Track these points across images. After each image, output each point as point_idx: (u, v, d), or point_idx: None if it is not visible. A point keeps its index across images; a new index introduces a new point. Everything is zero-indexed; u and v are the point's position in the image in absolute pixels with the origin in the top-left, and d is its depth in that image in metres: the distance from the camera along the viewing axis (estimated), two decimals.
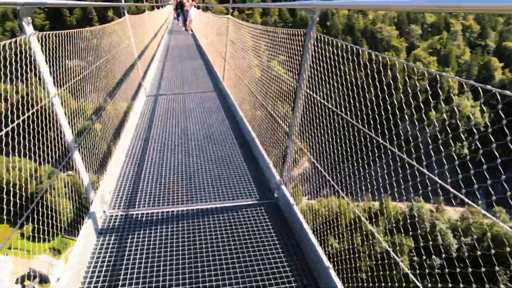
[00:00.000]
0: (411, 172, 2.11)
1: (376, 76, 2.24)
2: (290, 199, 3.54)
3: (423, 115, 2.01)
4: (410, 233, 34.41)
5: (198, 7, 20.56)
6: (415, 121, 2.27)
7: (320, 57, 2.92)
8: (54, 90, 2.78)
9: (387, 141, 2.16)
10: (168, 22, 26.20)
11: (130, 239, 3.29)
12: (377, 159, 2.30)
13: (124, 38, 6.79)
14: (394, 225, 37.32)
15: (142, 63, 8.42)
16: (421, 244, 13.74)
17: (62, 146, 3.10)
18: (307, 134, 3.41)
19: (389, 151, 2.14)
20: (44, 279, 41.51)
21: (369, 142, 2.32)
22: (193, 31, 21.00)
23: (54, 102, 2.77)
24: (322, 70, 2.98)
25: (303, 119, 3.39)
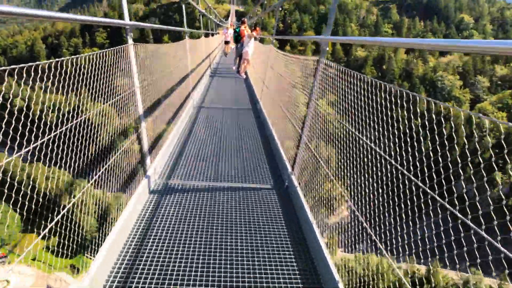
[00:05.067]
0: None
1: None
2: (296, 185, 4.62)
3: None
4: None
5: (261, 40, 14.23)
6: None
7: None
8: (138, 83, 4.14)
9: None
10: (212, 58, 19.72)
11: (170, 200, 4.50)
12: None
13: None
14: None
15: None
16: None
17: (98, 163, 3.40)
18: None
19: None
20: None
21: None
22: (247, 75, 15.27)
23: (136, 91, 4.17)
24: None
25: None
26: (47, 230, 2.38)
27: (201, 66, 12.54)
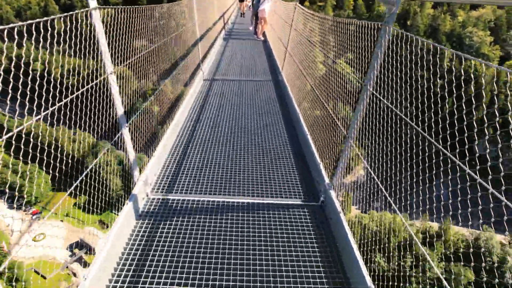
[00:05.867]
0: (483, 196, 1.91)
1: (453, 81, 2.08)
2: (337, 205, 3.38)
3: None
4: (472, 264, 30.17)
5: None
6: (498, 138, 2.05)
7: (393, 57, 2.78)
8: (111, 68, 2.78)
9: (457, 156, 1.99)
10: (226, 18, 17.34)
11: (169, 225, 3.35)
12: (441, 173, 2.13)
13: None
14: (453, 252, 34.31)
15: None
16: (484, 279, 12.39)
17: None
18: (365, 140, 3.30)
19: (457, 167, 1.97)
20: (90, 250, 45.93)
21: (434, 153, 2.15)
22: (265, 36, 14.31)
23: (110, 79, 2.77)
24: (393, 71, 2.85)
25: (363, 122, 3.26)
26: (74, 186, 2.51)
27: (213, 30, 11.22)
